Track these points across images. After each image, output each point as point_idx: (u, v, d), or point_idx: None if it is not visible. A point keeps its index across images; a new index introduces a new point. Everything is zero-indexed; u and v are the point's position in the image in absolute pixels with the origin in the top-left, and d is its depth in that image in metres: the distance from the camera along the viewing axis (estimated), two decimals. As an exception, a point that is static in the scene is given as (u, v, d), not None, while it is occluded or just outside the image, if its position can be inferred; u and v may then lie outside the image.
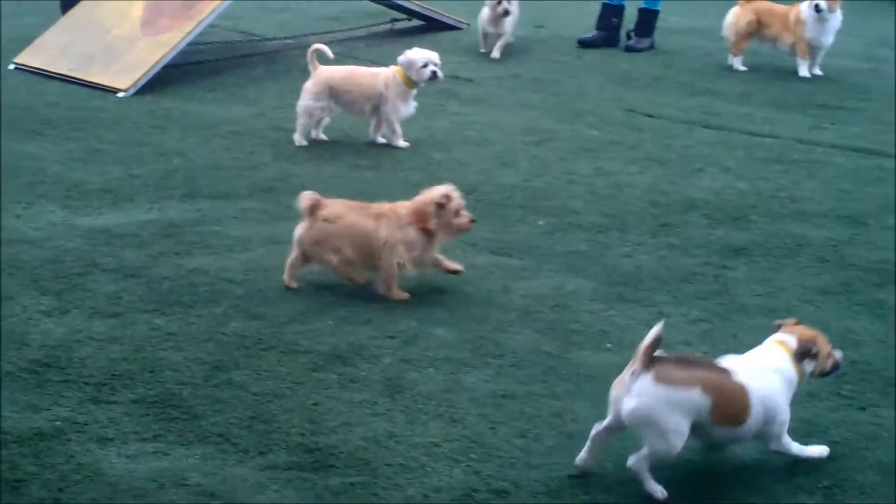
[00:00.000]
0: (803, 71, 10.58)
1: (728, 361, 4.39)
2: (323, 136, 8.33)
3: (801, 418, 4.73)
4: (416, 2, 12.00)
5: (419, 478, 4.33)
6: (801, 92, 10.04)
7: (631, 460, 4.26)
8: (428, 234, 5.92)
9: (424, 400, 4.86)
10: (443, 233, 5.98)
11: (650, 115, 9.29)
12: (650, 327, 5.44)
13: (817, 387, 4.97)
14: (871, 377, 5.10)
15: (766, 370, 4.37)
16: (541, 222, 6.91)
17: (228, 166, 7.84)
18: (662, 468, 4.30)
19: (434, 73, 8.28)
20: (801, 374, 4.43)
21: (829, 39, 10.53)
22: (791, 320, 4.60)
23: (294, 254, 5.97)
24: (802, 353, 4.41)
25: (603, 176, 7.74)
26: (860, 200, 7.34)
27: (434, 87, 9.80)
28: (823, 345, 4.51)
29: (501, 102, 9.59)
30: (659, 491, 4.22)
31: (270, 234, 6.63)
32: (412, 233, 5.89)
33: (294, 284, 5.94)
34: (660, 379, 4.14)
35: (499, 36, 10.99)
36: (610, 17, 11.82)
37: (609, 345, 5.40)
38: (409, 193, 7.16)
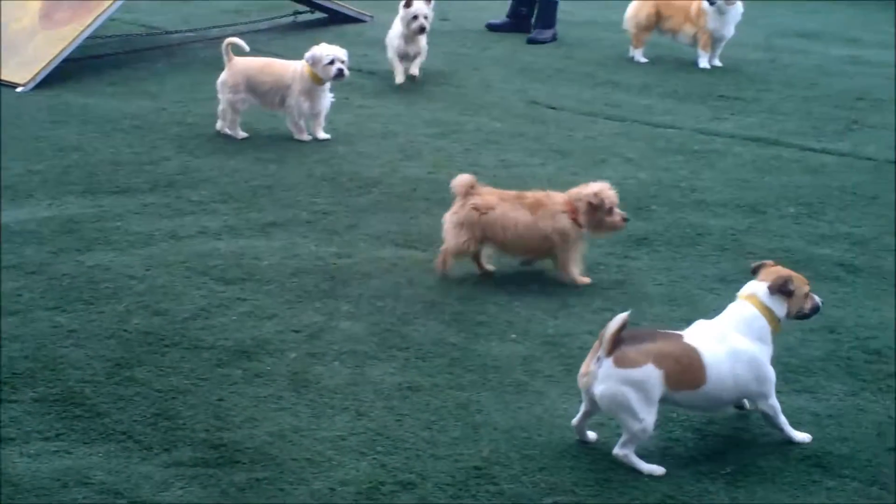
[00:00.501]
0: (703, 62, 10.70)
1: (694, 326, 4.59)
2: (228, 131, 8.25)
3: (703, 405, 4.81)
4: (319, -6, 11.97)
5: (325, 472, 4.32)
6: (700, 83, 10.16)
7: (616, 449, 4.40)
8: (579, 226, 5.97)
9: (330, 394, 4.86)
10: (594, 230, 6.02)
11: (553, 107, 9.34)
12: (554, 318, 5.54)
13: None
14: (774, 364, 5.17)
15: (728, 330, 4.52)
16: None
17: (129, 161, 7.76)
18: (563, 459, 4.36)
19: (340, 70, 8.20)
20: (775, 322, 4.57)
21: (730, 30, 10.66)
22: (770, 262, 4.77)
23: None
24: (778, 289, 4.54)
25: (506, 168, 7.78)
26: (758, 190, 7.45)
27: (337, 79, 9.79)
28: (801, 285, 4.64)
29: (405, 95, 9.59)
30: (656, 469, 4.36)
31: (172, 228, 6.58)
32: (566, 222, 5.96)
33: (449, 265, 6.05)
34: (617, 362, 4.31)
35: (415, 55, 9.93)
36: (519, 6, 11.99)
37: (514, 335, 5.42)
38: (314, 187, 7.19)
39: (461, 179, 6.09)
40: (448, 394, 4.89)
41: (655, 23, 10.84)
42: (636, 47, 10.96)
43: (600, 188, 6.00)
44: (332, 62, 8.18)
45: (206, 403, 4.76)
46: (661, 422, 4.66)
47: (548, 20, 11.76)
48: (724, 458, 4.48)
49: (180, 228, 6.58)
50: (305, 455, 4.42)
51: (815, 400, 4.89)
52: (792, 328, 5.48)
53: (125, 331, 5.36)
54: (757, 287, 4.61)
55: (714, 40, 10.66)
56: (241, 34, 11.46)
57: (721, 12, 10.45)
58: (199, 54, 10.70)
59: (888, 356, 5.26)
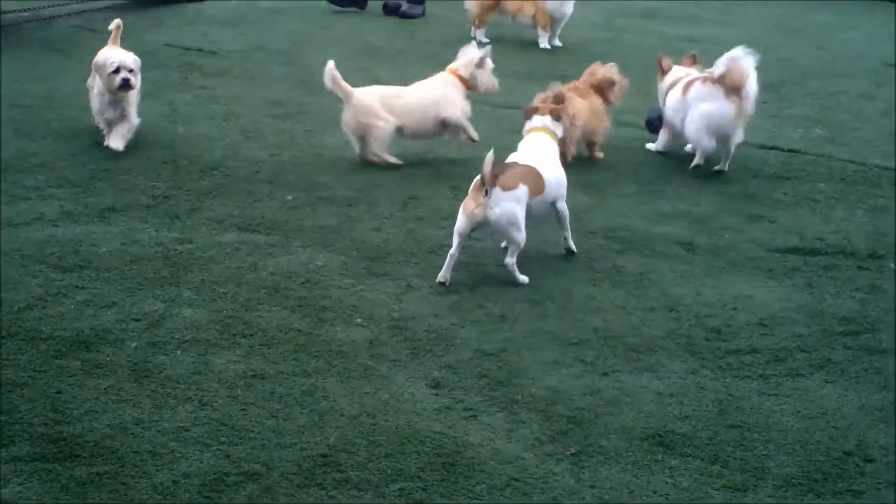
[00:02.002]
0: (543, 43, 10.81)
1: (519, 156, 6.10)
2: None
3: (547, 386, 4.86)
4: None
5: (168, 464, 4.24)
6: (541, 63, 10.25)
7: (506, 259, 5.80)
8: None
9: (172, 384, 4.77)
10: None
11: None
12: (399, 300, 5.54)
13: (560, 354, 5.11)
14: (612, 343, 5.25)
15: (542, 154, 6.13)
16: (289, 197, 6.87)
17: (-39, 146, 7.53)
18: (409, 444, 4.37)
19: (125, 81, 7.31)
20: (557, 139, 6.34)
21: (569, 9, 10.79)
22: (538, 103, 6.53)
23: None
24: (556, 117, 6.35)
25: (351, 149, 7.72)
26: (599, 169, 7.55)
27: (177, 59, 9.65)
28: (567, 108, 6.73)
29: (247, 75, 9.49)
30: (525, 279, 5.82)
31: (7, 215, 6.41)
32: None
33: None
34: (504, 188, 5.70)
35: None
36: None
37: (359, 320, 5.40)
38: (154, 170, 7.06)
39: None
40: (293, 381, 4.85)
41: (496, 3, 10.90)
42: (478, 27, 11.03)
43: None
44: (116, 70, 7.32)
45: (45, 396, 4.64)
46: (506, 404, 4.71)
47: None
48: (568, 438, 4.52)
49: (15, 215, 6.40)
50: (147, 447, 4.33)
51: (657, 378, 4.96)
52: (633, 308, 5.60)
53: (-43, 323, 5.21)
54: (542, 120, 6.29)
55: (553, 20, 10.77)
56: (76, 13, 11.28)
57: None
58: (33, 34, 10.42)
59: (727, 334, 5.37)
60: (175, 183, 6.99)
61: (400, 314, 5.47)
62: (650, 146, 8.09)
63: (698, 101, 7.38)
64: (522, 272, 5.85)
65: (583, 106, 7.44)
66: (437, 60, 10.06)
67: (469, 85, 7.74)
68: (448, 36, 11.08)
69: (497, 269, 5.97)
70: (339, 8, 12.15)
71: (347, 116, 7.47)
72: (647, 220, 6.72)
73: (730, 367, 5.10)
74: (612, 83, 7.72)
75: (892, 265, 6.24)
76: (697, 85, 7.42)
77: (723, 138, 7.46)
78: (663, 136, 7.96)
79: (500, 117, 8.59)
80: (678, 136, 7.79)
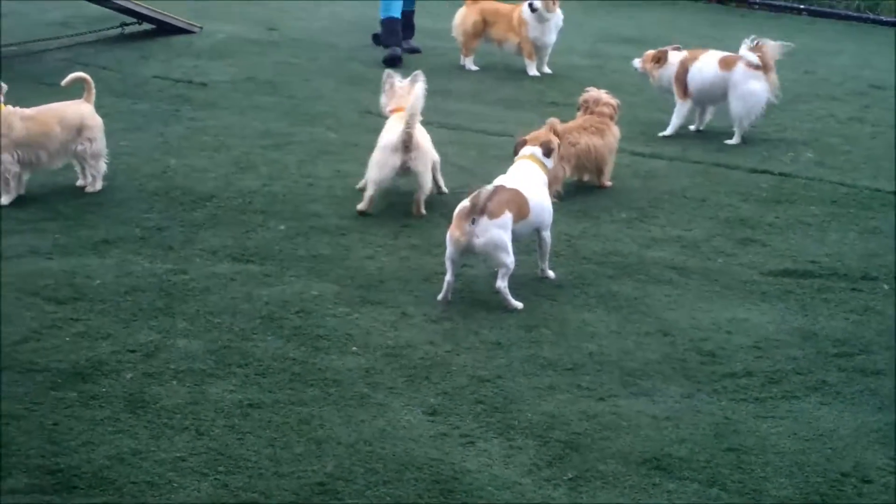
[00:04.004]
0: (532, 70, 10.84)
1: (504, 180, 6.08)
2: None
3: (543, 411, 4.86)
4: (145, 5, 11.77)
5: (166, 494, 4.24)
6: (531, 90, 10.28)
7: (498, 283, 5.81)
8: None
9: (169, 414, 4.77)
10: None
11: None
12: (395, 328, 5.54)
13: (556, 380, 5.12)
14: (608, 368, 5.26)
15: (529, 179, 6.13)
16: (282, 227, 6.87)
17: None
18: (407, 471, 4.36)
19: None
20: (546, 170, 6.34)
21: (551, 38, 10.82)
22: (529, 135, 6.48)
23: None
24: (546, 152, 6.32)
25: (342, 178, 7.75)
26: (591, 195, 7.56)
27: (167, 91, 9.67)
28: (555, 139, 6.56)
29: (237, 106, 9.49)
30: (518, 305, 5.86)
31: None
32: None
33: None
34: (490, 216, 5.74)
35: None
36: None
37: (354, 348, 5.40)
38: (146, 202, 7.07)
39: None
40: (290, 410, 4.85)
41: (482, 30, 10.94)
42: (466, 55, 11.05)
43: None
44: None
45: (41, 428, 4.64)
46: (503, 430, 4.71)
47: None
48: (566, 463, 4.52)
49: (8, 248, 6.40)
50: (145, 478, 4.33)
51: (653, 403, 4.97)
52: (628, 333, 5.61)
53: (-47, 356, 5.20)
54: (532, 149, 6.32)
55: (537, 48, 10.81)
56: (65, 47, 11.30)
57: (541, 20, 10.60)
58: (22, 68, 10.43)
59: (722, 357, 5.39)
60: (168, 214, 6.99)
61: (395, 342, 5.48)
62: (663, 133, 9.00)
63: (749, 79, 8.57)
64: (515, 298, 5.86)
65: (597, 143, 7.63)
66: (426, 90, 10.11)
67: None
68: (438, 64, 11.09)
69: (491, 296, 5.98)
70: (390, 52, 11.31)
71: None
72: (639, 245, 6.74)
73: (725, 390, 5.11)
74: (617, 109, 7.87)
75: (886, 286, 6.26)
76: (741, 66, 8.60)
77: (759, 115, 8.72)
78: (682, 111, 8.96)
79: (490, 144, 8.62)
80: (702, 108, 9.09)
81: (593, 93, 7.88)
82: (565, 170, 7.37)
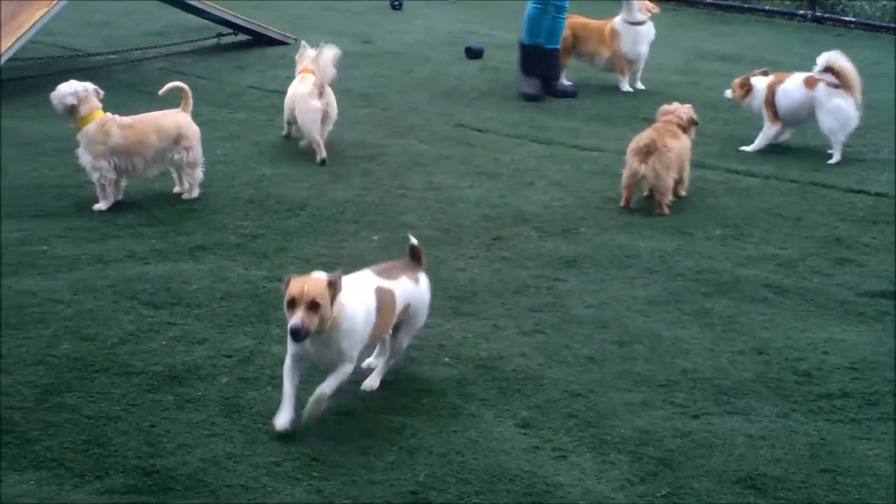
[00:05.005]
0: (625, 86, 10.80)
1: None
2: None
3: (636, 427, 4.83)
4: (242, 17, 11.91)
5: (260, 498, 4.27)
6: (624, 106, 10.24)
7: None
8: None
9: (263, 419, 4.80)
10: None
11: (479, 130, 9.37)
12: (486, 340, 5.54)
13: (649, 396, 5.09)
14: (702, 385, 5.22)
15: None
16: (374, 237, 6.91)
17: (53, 184, 7.67)
18: (498, 483, 4.36)
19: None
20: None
21: (643, 49, 10.75)
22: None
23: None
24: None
25: (434, 190, 7.78)
26: (685, 212, 7.51)
27: (262, 101, 9.77)
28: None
29: (330, 118, 9.55)
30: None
31: (98, 252, 6.50)
32: None
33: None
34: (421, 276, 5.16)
35: None
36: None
37: (447, 359, 5.41)
38: (242, 210, 7.14)
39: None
40: (382, 418, 4.87)
41: (572, 46, 10.90)
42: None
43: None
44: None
45: (138, 430, 4.70)
46: (595, 444, 4.69)
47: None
48: (659, 480, 4.49)
49: (106, 252, 6.50)
50: (240, 481, 4.37)
51: (748, 422, 4.92)
52: (722, 351, 5.56)
53: (53, 356, 5.28)
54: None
55: (629, 62, 10.75)
56: (163, 56, 11.47)
57: (631, 20, 10.55)
58: (122, 77, 10.61)
59: (818, 377, 5.32)
60: (263, 222, 7.06)
61: (487, 354, 5.48)
62: (746, 148, 9.02)
63: (832, 97, 8.61)
64: (609, 313, 5.84)
65: (679, 147, 7.54)
66: (518, 104, 10.16)
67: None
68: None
69: (583, 310, 5.96)
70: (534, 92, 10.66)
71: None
72: (734, 262, 6.68)
73: (821, 410, 5.04)
74: (695, 123, 7.79)
75: None
76: (823, 84, 8.63)
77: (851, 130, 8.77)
78: (770, 132, 8.98)
79: (584, 159, 8.60)
80: (793, 128, 9.12)
81: (671, 106, 7.90)
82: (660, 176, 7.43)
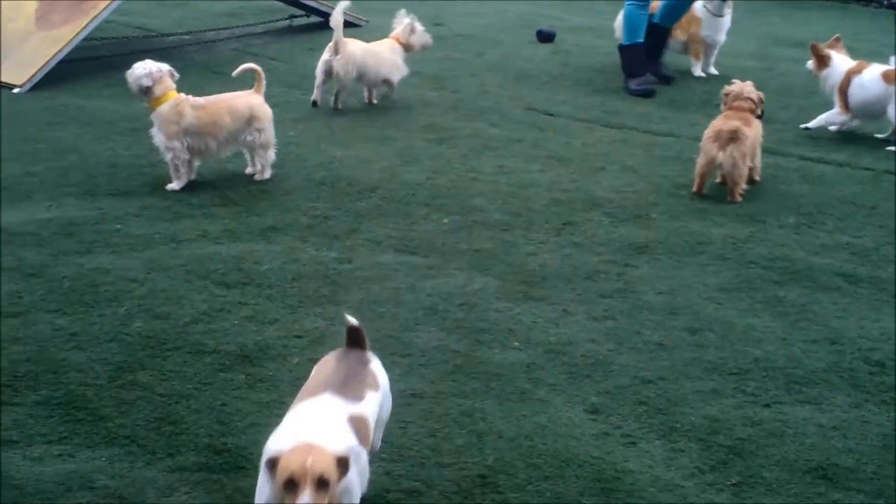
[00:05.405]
0: (697, 71, 10.72)
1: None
2: None
3: (706, 415, 4.80)
4: (315, -2, 11.96)
5: (330, 478, 4.29)
6: (697, 91, 10.17)
7: None
8: None
9: (333, 400, 4.83)
10: None
11: (550, 114, 9.35)
12: (556, 325, 5.53)
13: (720, 384, 5.06)
14: (774, 374, 5.17)
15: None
16: (445, 220, 6.91)
17: (127, 163, 7.74)
18: (568, 468, 4.35)
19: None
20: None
21: (722, 37, 10.66)
22: None
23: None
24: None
25: (505, 174, 7.77)
26: (758, 199, 7.44)
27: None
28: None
29: (402, 99, 9.58)
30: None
31: (172, 232, 6.56)
32: None
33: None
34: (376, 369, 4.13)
35: None
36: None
37: (516, 343, 5.40)
38: (313, 191, 7.17)
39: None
40: (451, 401, 4.87)
41: (650, 30, 10.81)
42: (631, 55, 10.94)
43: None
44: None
45: (210, 408, 4.74)
46: (665, 432, 4.67)
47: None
48: (729, 468, 4.47)
49: (180, 232, 6.56)
50: (310, 461, 4.39)
51: (819, 411, 4.88)
52: (795, 340, 5.51)
53: (126, 334, 5.34)
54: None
55: (707, 47, 10.67)
56: (235, 37, 11.53)
57: (716, 13, 10.44)
58: (195, 57, 10.69)
59: (891, 368, 5.26)
60: (334, 204, 7.09)
61: (557, 339, 5.47)
62: (807, 125, 9.09)
63: None
64: (680, 300, 5.81)
65: (753, 135, 7.46)
66: (590, 87, 10.11)
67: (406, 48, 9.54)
68: (602, 63, 11.06)
69: (654, 296, 5.94)
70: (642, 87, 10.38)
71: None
72: (807, 251, 6.61)
73: (894, 401, 4.98)
74: (762, 101, 7.75)
75: None
76: None
77: None
78: (837, 120, 8.94)
79: (656, 144, 8.55)
80: (862, 120, 8.98)
81: (736, 85, 7.75)
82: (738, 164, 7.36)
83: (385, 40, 9.50)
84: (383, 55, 9.36)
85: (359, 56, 9.13)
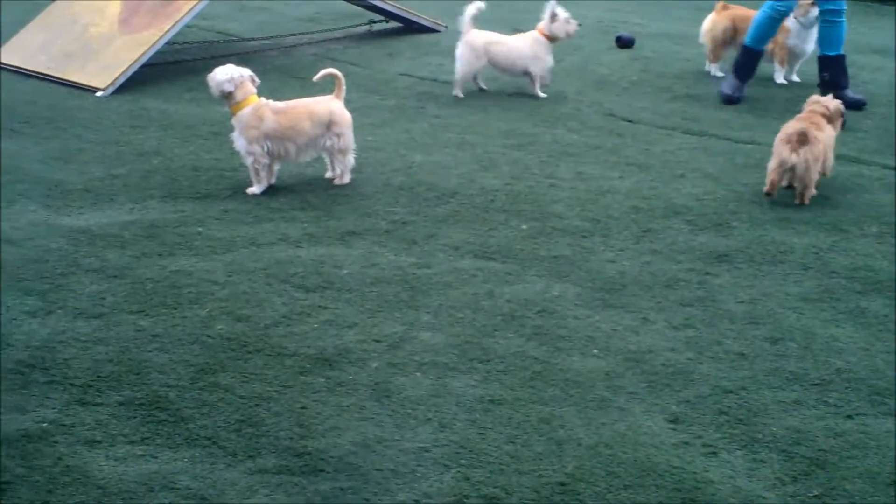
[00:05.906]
0: (780, 77, 10.61)
1: None
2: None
3: (789, 426, 4.76)
4: (393, 3, 11.99)
5: (410, 483, 4.31)
6: (779, 98, 10.06)
7: None
8: None
9: (412, 405, 4.85)
10: None
11: (630, 120, 9.30)
12: (636, 333, 5.51)
13: (802, 395, 5.00)
14: (856, 385, 5.11)
15: None
16: (523, 226, 6.90)
17: (209, 167, 7.82)
18: (648, 477, 4.33)
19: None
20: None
21: (810, 47, 10.53)
22: None
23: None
24: None
25: (584, 180, 7.75)
26: (840, 208, 7.36)
27: (413, 89, 9.83)
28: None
29: (480, 105, 9.58)
30: None
31: (253, 235, 6.61)
32: None
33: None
34: None
35: None
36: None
37: (595, 350, 5.38)
38: (392, 196, 7.20)
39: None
40: (530, 408, 4.87)
41: (732, 37, 10.73)
42: (712, 62, 10.87)
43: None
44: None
45: (290, 411, 4.77)
46: (746, 442, 4.63)
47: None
48: (811, 480, 4.42)
49: (260, 235, 6.61)
50: (390, 466, 4.41)
51: (904, 424, 4.82)
52: (878, 351, 5.44)
53: (208, 336, 5.39)
54: None
55: (794, 55, 10.56)
56: (315, 42, 11.61)
57: (807, 26, 10.30)
58: (275, 62, 10.77)
59: (978, 381, 5.18)
60: (412, 209, 7.11)
61: (636, 347, 5.44)
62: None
63: None
64: (761, 309, 5.76)
65: (825, 139, 7.36)
66: (670, 94, 10.05)
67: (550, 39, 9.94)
68: (682, 69, 10.99)
69: (735, 305, 5.89)
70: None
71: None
72: (890, 261, 6.52)
73: (981, 415, 4.91)
74: (842, 114, 7.68)
75: None
76: None
77: None
78: None
79: (737, 152, 8.47)
80: None
81: (815, 97, 7.80)
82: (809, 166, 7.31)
83: (529, 32, 10.00)
84: (510, 44, 9.87)
85: (480, 45, 9.75)
